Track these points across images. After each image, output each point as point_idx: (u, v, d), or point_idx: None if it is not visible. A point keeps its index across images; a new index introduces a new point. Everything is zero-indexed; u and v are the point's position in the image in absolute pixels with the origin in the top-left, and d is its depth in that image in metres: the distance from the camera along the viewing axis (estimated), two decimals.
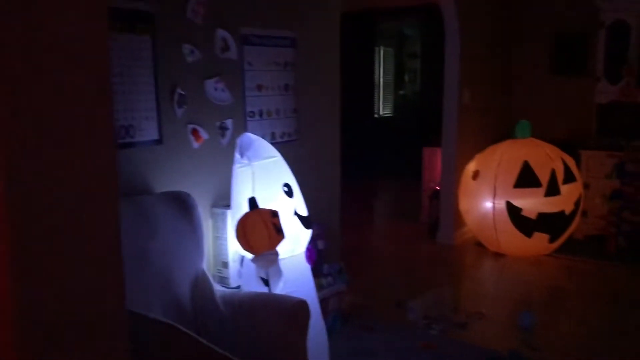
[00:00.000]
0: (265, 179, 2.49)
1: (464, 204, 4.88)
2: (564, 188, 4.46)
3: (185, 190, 2.51)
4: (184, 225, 2.41)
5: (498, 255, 4.78)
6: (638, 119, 4.89)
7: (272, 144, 3.12)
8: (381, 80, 10.48)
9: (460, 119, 5.02)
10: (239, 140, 2.49)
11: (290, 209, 2.51)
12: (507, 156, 4.55)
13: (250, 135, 2.52)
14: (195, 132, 2.70)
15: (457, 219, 5.08)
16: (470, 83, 5.09)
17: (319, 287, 3.32)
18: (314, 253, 2.64)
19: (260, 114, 3.05)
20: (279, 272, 2.39)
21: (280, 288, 2.44)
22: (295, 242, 2.54)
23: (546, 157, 4.50)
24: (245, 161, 2.50)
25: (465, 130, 5.11)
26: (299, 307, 2.21)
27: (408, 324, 3.50)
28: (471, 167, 4.81)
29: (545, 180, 4.41)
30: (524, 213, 4.44)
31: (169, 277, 2.29)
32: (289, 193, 2.52)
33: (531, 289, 4.12)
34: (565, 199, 4.49)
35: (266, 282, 2.36)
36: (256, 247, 2.25)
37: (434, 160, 5.61)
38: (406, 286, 4.14)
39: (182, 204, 2.44)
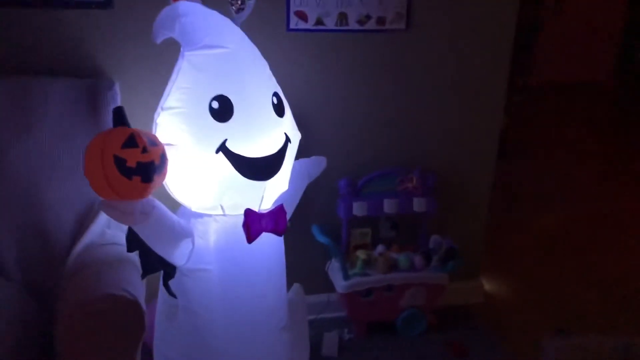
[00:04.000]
0: (194, 82, 1.44)
1: None
2: None
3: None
4: (86, 126, 1.65)
5: None
6: None
7: (343, 31, 1.94)
8: None
9: None
10: (160, 13, 1.47)
11: (216, 140, 1.43)
12: None
13: (181, 5, 1.45)
14: None
15: None
16: None
17: (393, 266, 2.14)
18: (269, 219, 1.52)
19: None
20: (169, 237, 1.43)
21: (182, 259, 1.49)
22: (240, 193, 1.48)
23: None
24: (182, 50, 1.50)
25: None
26: (107, 308, 1.27)
27: None
28: None
29: None
30: None
31: (33, 201, 1.59)
32: (219, 113, 1.42)
33: None
34: None
35: (130, 245, 1.45)
36: (94, 187, 1.33)
37: None
38: (609, 305, 2.46)
39: (94, 96, 1.66)
